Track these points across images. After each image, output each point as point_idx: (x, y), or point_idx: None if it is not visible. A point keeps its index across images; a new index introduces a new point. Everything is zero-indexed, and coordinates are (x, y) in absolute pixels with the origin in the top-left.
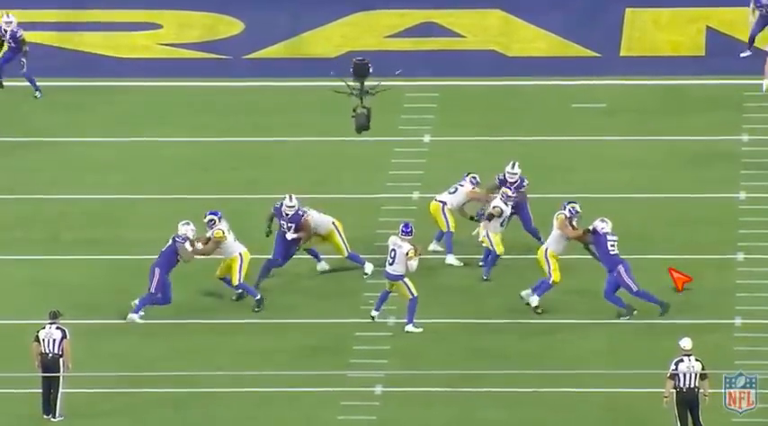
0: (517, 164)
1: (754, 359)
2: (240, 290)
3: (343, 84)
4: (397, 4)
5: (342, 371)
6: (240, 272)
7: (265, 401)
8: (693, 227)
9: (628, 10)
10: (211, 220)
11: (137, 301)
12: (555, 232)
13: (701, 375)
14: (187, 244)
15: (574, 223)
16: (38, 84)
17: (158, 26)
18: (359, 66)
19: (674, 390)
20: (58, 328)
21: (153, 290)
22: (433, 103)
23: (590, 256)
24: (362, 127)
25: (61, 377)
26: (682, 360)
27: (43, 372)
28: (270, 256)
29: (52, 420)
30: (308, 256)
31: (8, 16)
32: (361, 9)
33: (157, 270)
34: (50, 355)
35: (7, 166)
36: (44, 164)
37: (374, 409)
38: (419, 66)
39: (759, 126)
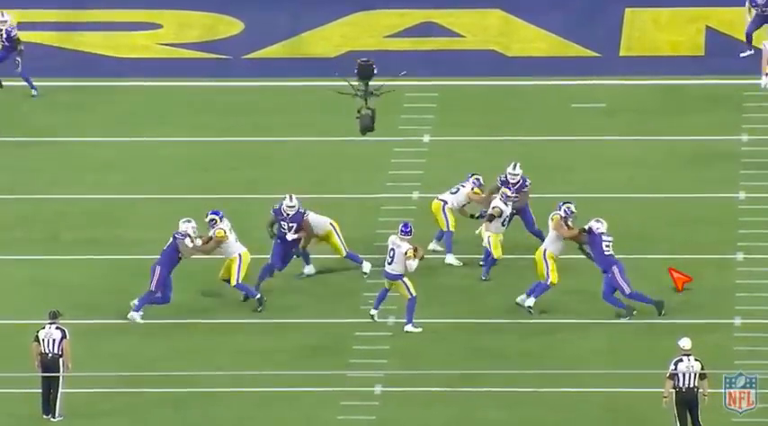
0: (518, 164)
1: (753, 359)
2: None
3: (347, 84)
4: (397, 3)
5: (341, 371)
6: (239, 273)
7: (265, 401)
8: (693, 227)
9: (627, 10)
10: (212, 220)
11: (136, 301)
12: (551, 233)
13: (700, 375)
14: (187, 240)
15: (569, 223)
16: (38, 84)
17: (158, 26)
18: (363, 67)
19: (674, 390)
20: (57, 328)
21: (153, 288)
22: (432, 103)
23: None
24: (367, 128)
25: (61, 377)
26: (681, 360)
27: (43, 372)
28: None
29: (52, 420)
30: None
31: (3, 15)
32: (361, 9)
33: (158, 268)
34: (50, 355)
35: (7, 166)
36: (44, 164)
37: (374, 409)
38: (419, 65)
39: (759, 126)
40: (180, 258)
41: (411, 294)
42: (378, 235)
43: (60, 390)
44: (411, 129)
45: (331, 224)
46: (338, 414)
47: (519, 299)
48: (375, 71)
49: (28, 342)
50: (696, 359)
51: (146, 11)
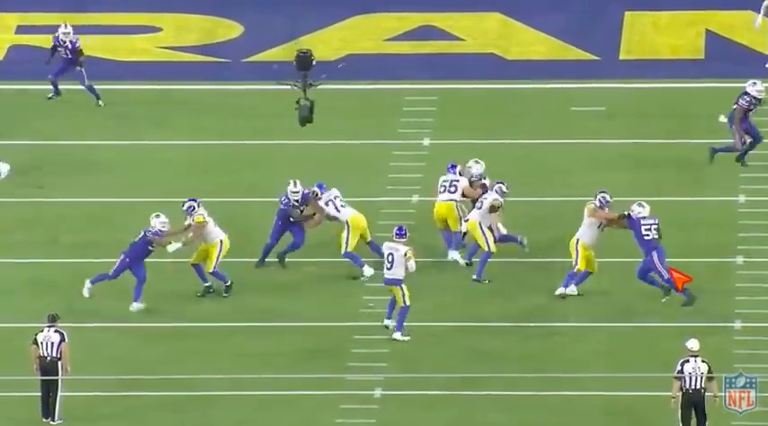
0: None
1: (753, 362)
2: (208, 284)
3: (289, 85)
4: (397, 7)
5: (341, 374)
6: (218, 259)
7: (264, 404)
8: (693, 230)
9: (627, 13)
10: (191, 206)
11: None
12: (585, 221)
13: (707, 376)
14: (171, 247)
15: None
16: (39, 87)
17: (158, 29)
18: (302, 59)
19: (680, 391)
20: (56, 331)
21: (111, 273)
22: (432, 107)
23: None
24: (305, 119)
25: (60, 381)
26: (687, 361)
27: (42, 375)
28: (269, 258)
29: (51, 423)
30: (306, 259)
31: (66, 26)
32: (361, 12)
33: (122, 256)
34: (49, 358)
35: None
36: (44, 167)
37: (373, 412)
38: (418, 69)
39: (758, 129)
40: (150, 252)
41: (405, 303)
42: (377, 238)
43: (59, 393)
44: (411, 133)
45: (347, 222)
46: (337, 418)
47: (558, 292)
48: (314, 63)
49: (27, 345)
50: (703, 361)
51: (145, 14)
